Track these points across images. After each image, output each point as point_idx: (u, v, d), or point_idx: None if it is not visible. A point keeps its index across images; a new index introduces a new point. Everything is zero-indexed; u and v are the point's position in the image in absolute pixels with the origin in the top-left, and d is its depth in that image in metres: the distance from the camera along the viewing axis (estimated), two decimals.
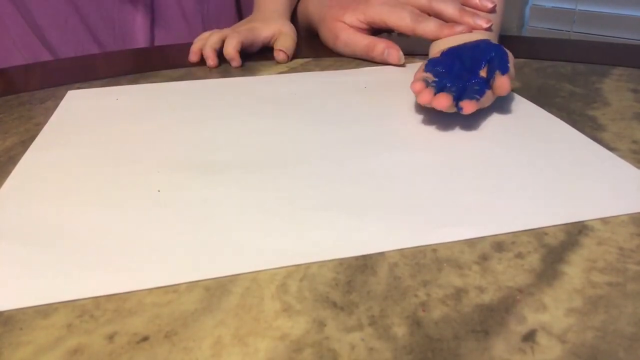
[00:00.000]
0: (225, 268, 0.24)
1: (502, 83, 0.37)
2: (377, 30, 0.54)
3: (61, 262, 0.25)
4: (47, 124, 0.40)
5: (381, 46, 0.51)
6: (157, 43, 0.66)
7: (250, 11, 0.62)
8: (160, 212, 0.28)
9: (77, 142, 0.37)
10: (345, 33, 0.53)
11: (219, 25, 0.60)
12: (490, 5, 0.46)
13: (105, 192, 0.30)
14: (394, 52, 0.50)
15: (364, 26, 0.53)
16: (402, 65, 0.51)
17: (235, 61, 0.52)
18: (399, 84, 0.46)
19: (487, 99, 0.37)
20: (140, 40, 0.65)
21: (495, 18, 0.47)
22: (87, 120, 0.40)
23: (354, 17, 0.52)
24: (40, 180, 0.32)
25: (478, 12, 0.47)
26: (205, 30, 0.57)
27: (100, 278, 0.24)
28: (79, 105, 0.43)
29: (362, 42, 0.52)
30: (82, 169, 0.33)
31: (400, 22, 0.49)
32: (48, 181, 0.32)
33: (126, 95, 0.45)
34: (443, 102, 0.35)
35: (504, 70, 0.37)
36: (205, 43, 0.53)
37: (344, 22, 0.53)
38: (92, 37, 0.63)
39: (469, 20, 0.45)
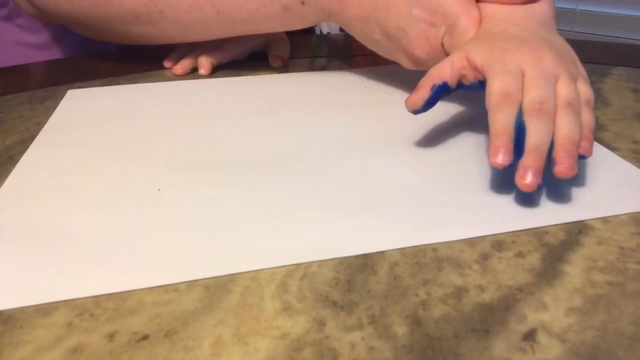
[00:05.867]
0: (226, 267, 0.24)
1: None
2: None
3: (61, 261, 0.25)
4: (47, 124, 0.40)
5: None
6: None
7: None
8: (161, 211, 0.28)
9: (77, 141, 0.37)
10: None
11: None
12: None
13: (106, 191, 0.30)
14: None
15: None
16: None
17: (204, 69, 0.50)
18: (399, 84, 0.46)
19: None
20: None
21: None
22: (87, 119, 0.40)
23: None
24: (40, 180, 0.32)
25: None
26: None
27: (100, 277, 0.24)
28: (79, 105, 0.43)
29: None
30: (82, 168, 0.33)
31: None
32: (48, 181, 0.32)
33: (126, 95, 0.45)
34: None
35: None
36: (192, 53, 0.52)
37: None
38: None
39: None
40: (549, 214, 0.27)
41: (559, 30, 0.36)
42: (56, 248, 0.26)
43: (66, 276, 0.24)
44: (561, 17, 1.15)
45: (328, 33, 0.80)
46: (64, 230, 0.27)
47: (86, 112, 0.42)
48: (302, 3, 0.42)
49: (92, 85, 0.48)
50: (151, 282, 0.23)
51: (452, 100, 0.41)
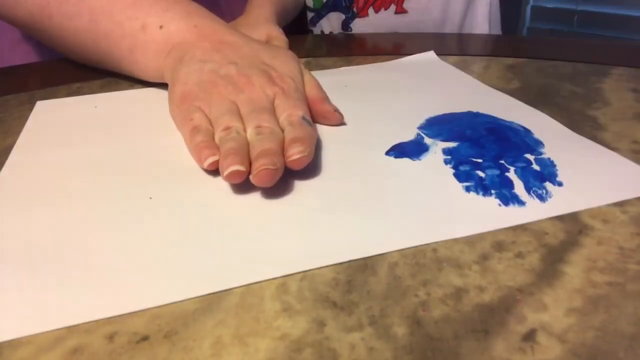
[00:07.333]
0: (230, 280, 0.23)
1: None
2: None
3: (58, 283, 0.23)
4: (20, 138, 0.38)
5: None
6: None
7: None
8: (157, 223, 0.27)
9: (56, 154, 0.35)
10: None
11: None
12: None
13: (96, 204, 0.29)
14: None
15: None
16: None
17: None
18: (384, 83, 0.46)
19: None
20: None
21: None
22: (62, 131, 0.38)
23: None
24: (22, 198, 0.30)
25: None
26: None
27: (98, 299, 0.22)
28: (52, 116, 0.41)
29: None
30: (66, 181, 0.31)
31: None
32: (31, 198, 0.30)
33: (102, 103, 0.43)
34: None
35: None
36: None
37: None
38: None
39: None
40: (546, 208, 0.28)
41: (559, 30, 0.36)
42: (48, 269, 0.24)
43: (62, 301, 0.22)
44: (561, 17, 1.15)
45: (330, 32, 0.80)
46: (54, 250, 0.25)
47: (61, 124, 0.40)
48: (160, 27, 0.41)
49: (92, 85, 0.48)
50: (155, 302, 0.22)
51: (446, 99, 0.41)
